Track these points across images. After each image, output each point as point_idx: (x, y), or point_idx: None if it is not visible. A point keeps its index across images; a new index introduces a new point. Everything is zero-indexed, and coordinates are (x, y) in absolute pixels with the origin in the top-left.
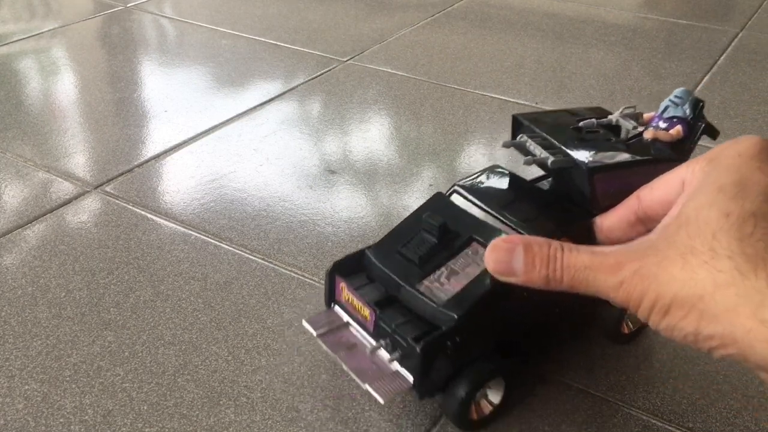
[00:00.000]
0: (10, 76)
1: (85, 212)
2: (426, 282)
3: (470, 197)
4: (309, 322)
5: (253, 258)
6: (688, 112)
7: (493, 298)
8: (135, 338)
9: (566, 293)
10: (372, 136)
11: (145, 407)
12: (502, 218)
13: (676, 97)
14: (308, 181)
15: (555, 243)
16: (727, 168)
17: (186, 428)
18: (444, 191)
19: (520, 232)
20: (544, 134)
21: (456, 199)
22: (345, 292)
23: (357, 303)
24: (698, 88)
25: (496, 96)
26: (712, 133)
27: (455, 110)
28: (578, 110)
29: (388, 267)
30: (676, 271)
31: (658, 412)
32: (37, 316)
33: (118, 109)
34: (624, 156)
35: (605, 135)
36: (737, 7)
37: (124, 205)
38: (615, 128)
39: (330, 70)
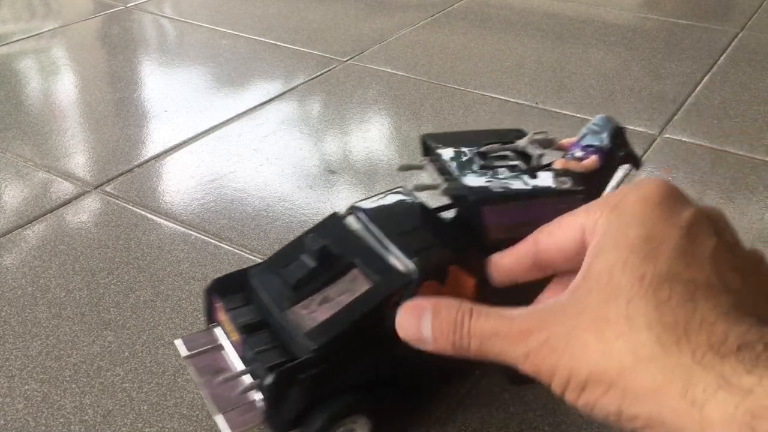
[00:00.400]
0: (10, 76)
1: (85, 212)
2: (297, 308)
3: (365, 220)
4: (183, 341)
5: (253, 258)
6: (606, 141)
7: (360, 330)
8: (135, 338)
9: None
10: (372, 136)
11: (145, 407)
12: (393, 245)
13: (594, 124)
14: (308, 181)
15: (464, 306)
16: (633, 218)
17: (186, 428)
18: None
19: (404, 262)
20: (444, 159)
21: (351, 220)
22: (220, 312)
23: (229, 325)
24: (698, 88)
25: (496, 96)
26: (636, 162)
27: (455, 110)
28: (493, 133)
29: (265, 289)
30: (590, 341)
31: None
32: (37, 316)
33: (118, 109)
34: (519, 187)
35: (513, 160)
36: (737, 7)
37: (124, 205)
38: (527, 155)
39: (330, 70)
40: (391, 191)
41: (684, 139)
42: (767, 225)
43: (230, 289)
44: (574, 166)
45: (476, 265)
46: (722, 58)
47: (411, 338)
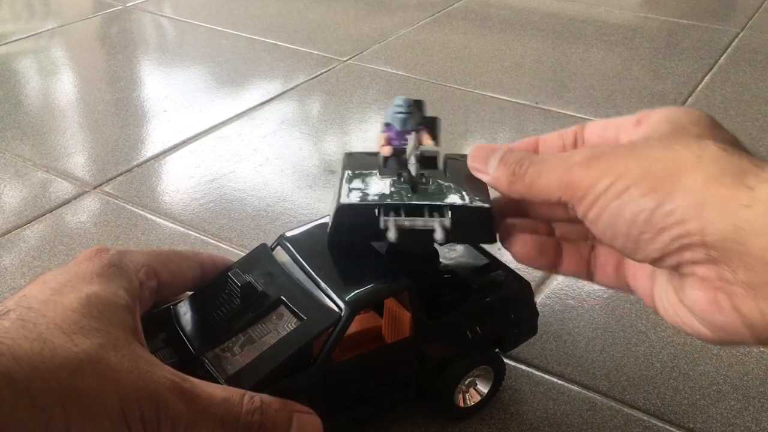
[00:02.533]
0: (10, 75)
1: (84, 212)
2: (217, 350)
3: (294, 252)
4: None
5: None
6: (419, 115)
7: (282, 372)
8: None
9: (384, 365)
10: (372, 136)
11: None
12: (322, 279)
13: (397, 106)
14: (308, 181)
15: (528, 153)
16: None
17: None
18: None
19: (333, 299)
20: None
21: (279, 252)
22: None
23: None
24: (699, 88)
25: (496, 96)
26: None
27: (455, 110)
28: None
29: (186, 329)
30: (655, 152)
31: (658, 413)
32: None
33: (117, 108)
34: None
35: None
36: (738, 7)
37: (124, 205)
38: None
39: (330, 69)
40: (321, 219)
41: None
42: None
43: (152, 329)
44: (428, 143)
45: (409, 298)
46: (723, 57)
47: (477, 167)
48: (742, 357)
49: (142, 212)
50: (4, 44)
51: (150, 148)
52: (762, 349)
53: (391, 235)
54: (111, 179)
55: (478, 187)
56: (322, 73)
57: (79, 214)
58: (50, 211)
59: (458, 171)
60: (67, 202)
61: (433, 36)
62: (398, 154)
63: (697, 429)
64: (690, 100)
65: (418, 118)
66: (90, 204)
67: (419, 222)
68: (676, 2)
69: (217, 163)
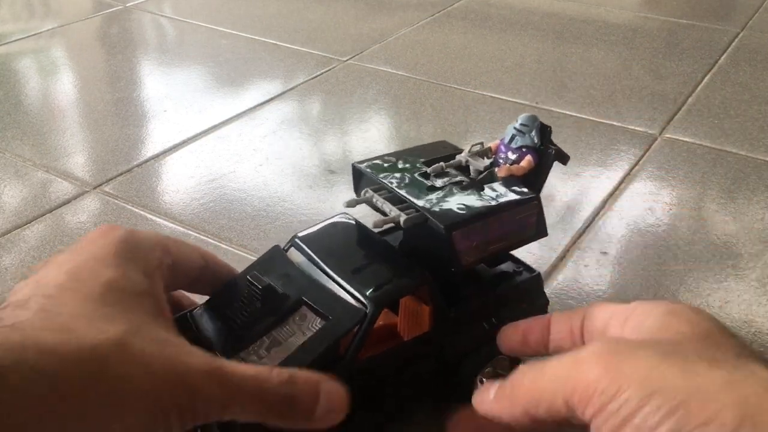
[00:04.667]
0: (9, 75)
1: (84, 212)
2: (242, 354)
3: (310, 252)
4: None
5: (253, 258)
6: (536, 140)
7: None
8: None
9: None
10: (372, 136)
11: None
12: (342, 278)
13: (522, 125)
14: (308, 181)
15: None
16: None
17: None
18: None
19: (356, 296)
20: (390, 186)
21: (294, 253)
22: None
23: None
24: (699, 88)
25: (496, 96)
26: (563, 158)
27: (455, 110)
28: (422, 150)
29: (207, 334)
30: (702, 368)
31: None
32: None
33: (117, 108)
34: (480, 205)
35: (455, 176)
36: (738, 7)
37: (124, 204)
38: (465, 168)
39: (330, 69)
40: (334, 219)
41: (684, 138)
42: None
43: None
44: (516, 171)
45: (430, 292)
46: (723, 57)
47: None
48: None
49: (142, 212)
50: (4, 44)
51: (150, 148)
52: (762, 349)
53: (351, 203)
54: (111, 179)
55: (477, 208)
56: (322, 73)
57: (79, 214)
58: (50, 211)
59: (495, 193)
60: (67, 202)
61: (433, 36)
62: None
63: None
64: (690, 100)
65: (528, 140)
66: (90, 204)
67: (387, 207)
68: (676, 2)
69: (217, 163)
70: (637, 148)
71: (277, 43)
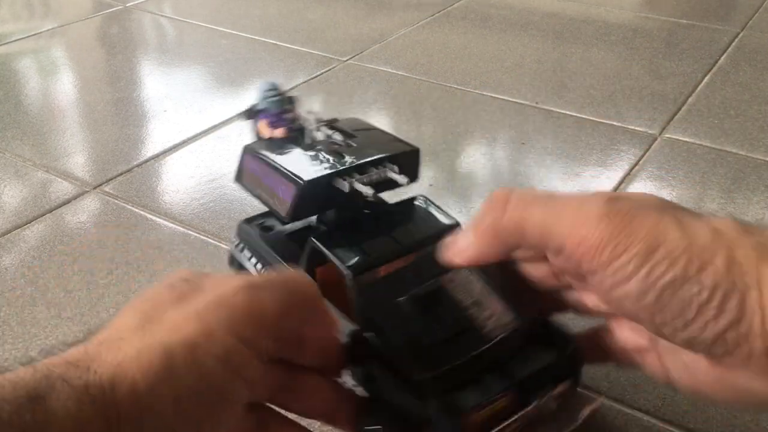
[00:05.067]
0: (9, 75)
1: (84, 212)
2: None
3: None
4: None
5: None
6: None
7: None
8: None
9: None
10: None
11: None
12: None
13: (269, 90)
14: None
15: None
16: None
17: None
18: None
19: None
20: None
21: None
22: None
23: None
24: (699, 88)
25: (496, 96)
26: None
27: (455, 110)
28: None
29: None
30: (686, 219)
31: (658, 413)
32: (36, 317)
33: (117, 108)
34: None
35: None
36: (738, 7)
37: (123, 204)
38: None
39: (330, 69)
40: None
41: (684, 138)
42: None
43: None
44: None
45: None
46: (723, 57)
47: (458, 253)
48: None
49: (142, 212)
50: (4, 44)
51: (150, 148)
52: None
53: (367, 190)
54: (111, 179)
55: (384, 134)
56: (322, 73)
57: (79, 214)
58: (50, 211)
59: (355, 129)
60: (67, 202)
61: (433, 36)
62: (293, 131)
63: (697, 429)
64: (690, 100)
65: (287, 98)
66: (90, 204)
67: (375, 175)
68: (676, 2)
69: (217, 163)
70: (637, 148)
71: (277, 43)
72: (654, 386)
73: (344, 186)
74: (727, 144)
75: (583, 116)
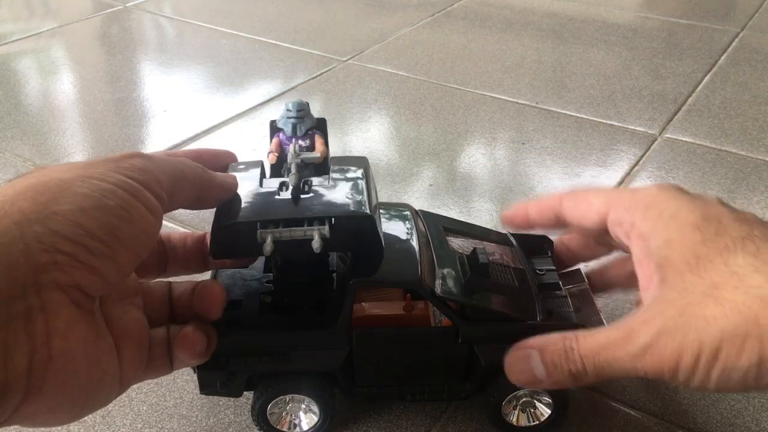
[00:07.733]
0: (9, 75)
1: None
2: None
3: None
4: None
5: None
6: (314, 116)
7: None
8: None
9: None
10: (372, 136)
11: (145, 407)
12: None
13: (298, 111)
14: None
15: (568, 334)
16: (669, 210)
17: (186, 428)
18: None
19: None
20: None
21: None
22: None
23: None
24: (699, 88)
25: (496, 96)
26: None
27: (455, 110)
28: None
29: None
30: (710, 306)
31: (658, 412)
32: None
33: (117, 108)
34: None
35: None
36: (738, 7)
37: None
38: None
39: (330, 69)
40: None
41: (684, 138)
42: None
43: None
44: (323, 154)
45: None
46: (723, 57)
47: (525, 381)
48: None
49: None
50: (4, 44)
51: (150, 148)
52: None
53: (267, 248)
54: None
55: (358, 190)
56: (322, 73)
57: None
58: None
59: (343, 175)
60: None
61: (433, 36)
62: (283, 161)
63: (697, 429)
64: (690, 100)
65: (310, 122)
66: None
67: (298, 233)
68: (676, 2)
69: None
70: (637, 148)
71: (277, 43)
72: (654, 386)
73: (258, 235)
74: (727, 144)
75: (583, 116)
